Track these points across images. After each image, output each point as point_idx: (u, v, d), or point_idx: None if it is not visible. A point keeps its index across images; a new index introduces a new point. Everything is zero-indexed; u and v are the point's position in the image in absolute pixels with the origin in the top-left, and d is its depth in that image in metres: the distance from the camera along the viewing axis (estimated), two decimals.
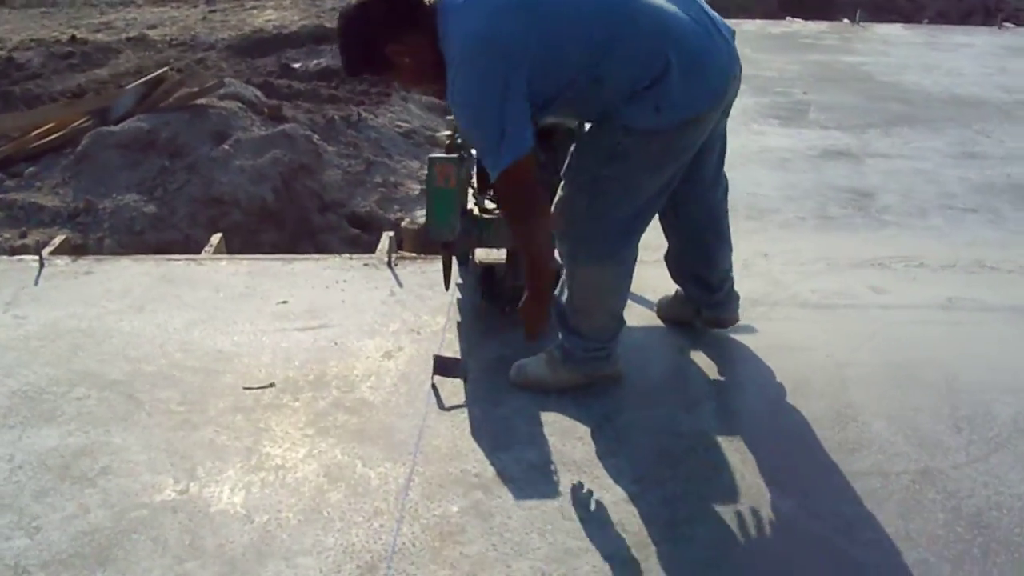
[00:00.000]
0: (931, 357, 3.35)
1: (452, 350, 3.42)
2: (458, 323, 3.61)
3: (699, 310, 3.44)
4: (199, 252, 4.47)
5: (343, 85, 7.02)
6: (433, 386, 3.19)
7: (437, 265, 4.03)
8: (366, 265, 4.12)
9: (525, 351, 3.25)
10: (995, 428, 2.97)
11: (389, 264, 4.10)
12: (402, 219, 5.41)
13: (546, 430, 2.96)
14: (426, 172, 3.47)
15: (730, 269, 3.36)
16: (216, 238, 4.41)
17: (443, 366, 3.22)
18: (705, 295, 3.37)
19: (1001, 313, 3.71)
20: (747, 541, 2.52)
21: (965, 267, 4.11)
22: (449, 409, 3.08)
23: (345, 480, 2.73)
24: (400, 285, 3.93)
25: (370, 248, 5.14)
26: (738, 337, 3.48)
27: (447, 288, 3.68)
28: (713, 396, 3.15)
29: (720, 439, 2.91)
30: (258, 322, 3.61)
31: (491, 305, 3.65)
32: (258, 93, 6.13)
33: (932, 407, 3.07)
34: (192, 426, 2.97)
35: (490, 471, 2.77)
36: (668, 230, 3.32)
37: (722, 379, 3.25)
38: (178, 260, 4.16)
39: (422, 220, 4.59)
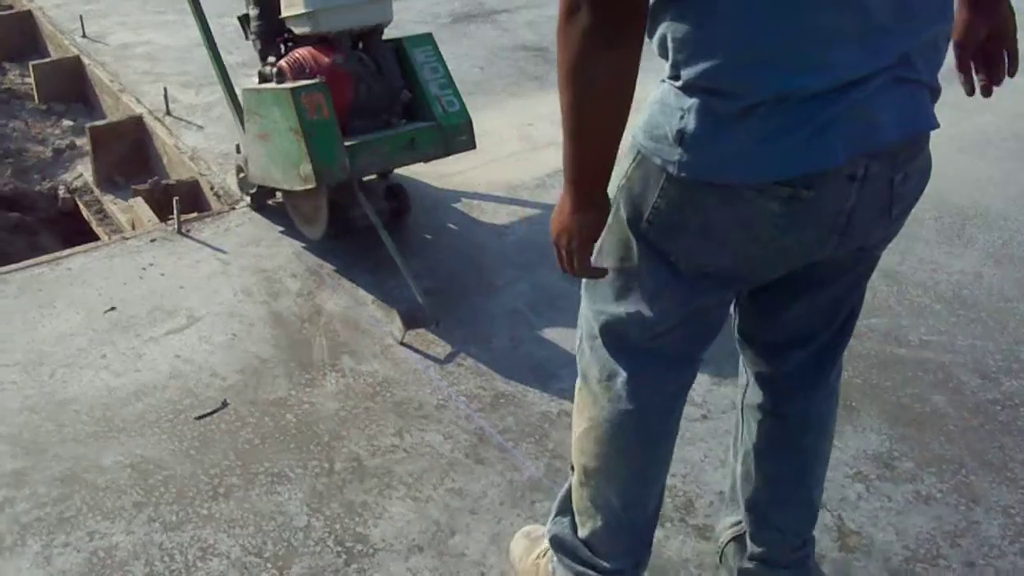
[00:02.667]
0: None
1: (371, 300, 3.02)
2: (335, 270, 3.18)
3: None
4: None
5: None
6: (404, 343, 2.83)
7: (229, 219, 3.49)
8: (153, 241, 3.39)
9: (451, 278, 3.01)
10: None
11: (180, 231, 3.42)
12: (55, 187, 4.49)
13: (569, 344, 2.79)
14: (273, 109, 2.96)
15: (805, 534, 1.92)
16: None
17: (411, 318, 2.85)
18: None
19: None
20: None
21: None
22: (448, 360, 2.76)
23: (460, 486, 2.36)
24: (223, 251, 3.32)
25: (36, 230, 4.26)
26: None
27: (318, 235, 3.21)
28: None
29: None
30: (112, 341, 2.86)
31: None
32: None
33: None
34: (210, 490, 2.34)
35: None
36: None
37: None
38: None
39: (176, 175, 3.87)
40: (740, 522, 1.97)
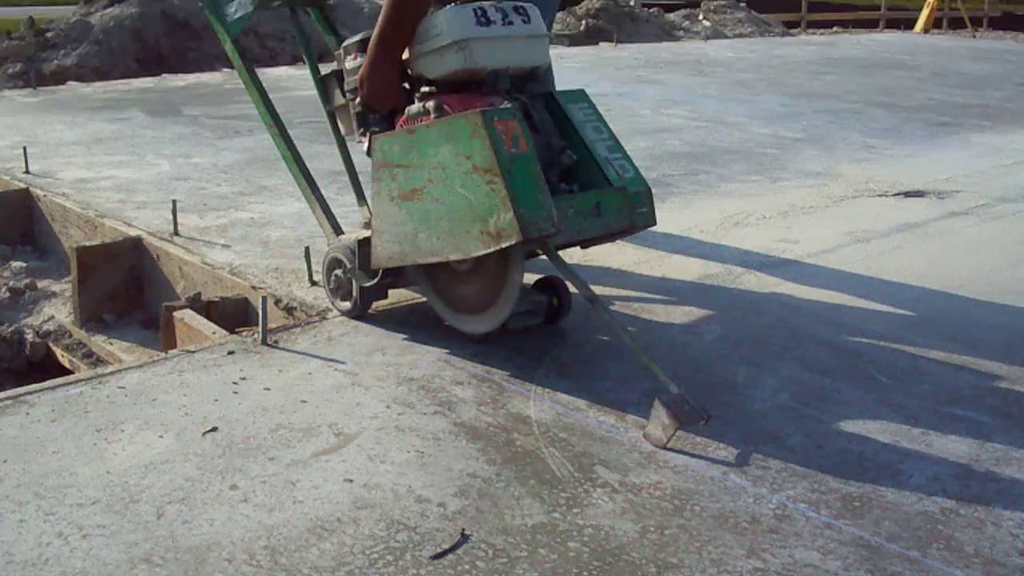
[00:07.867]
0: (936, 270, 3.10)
1: (586, 405, 2.19)
2: (509, 375, 2.33)
3: None
4: None
5: None
6: (668, 447, 1.99)
7: (325, 328, 2.66)
8: (232, 353, 2.46)
9: (673, 374, 2.26)
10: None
11: (266, 343, 2.51)
12: (19, 332, 3.48)
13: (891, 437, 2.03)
14: (440, 148, 2.22)
15: None
16: None
17: (680, 412, 2.02)
18: None
19: (903, 235, 3.60)
20: None
21: (795, 211, 3.92)
22: (744, 463, 1.95)
23: None
24: (339, 361, 2.42)
25: None
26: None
27: (493, 324, 2.39)
28: None
29: None
30: (237, 467, 1.91)
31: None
32: None
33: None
34: None
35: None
36: None
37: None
38: None
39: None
40: None
